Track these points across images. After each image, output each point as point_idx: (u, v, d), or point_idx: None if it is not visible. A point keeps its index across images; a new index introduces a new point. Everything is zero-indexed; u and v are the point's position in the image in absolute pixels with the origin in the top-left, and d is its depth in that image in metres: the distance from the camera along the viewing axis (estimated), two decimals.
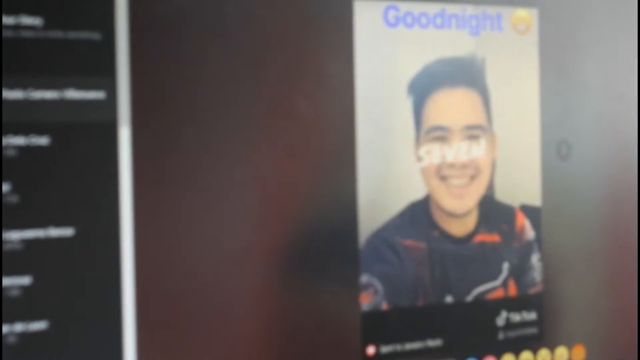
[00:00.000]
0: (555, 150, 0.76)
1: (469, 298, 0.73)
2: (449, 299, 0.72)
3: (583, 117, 0.77)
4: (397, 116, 0.70)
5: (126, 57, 0.61)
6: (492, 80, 0.73)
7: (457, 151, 0.72)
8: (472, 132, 0.73)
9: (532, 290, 0.75)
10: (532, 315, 0.75)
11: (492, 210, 0.73)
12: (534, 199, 0.75)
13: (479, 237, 0.72)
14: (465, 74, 0.72)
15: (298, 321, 0.67)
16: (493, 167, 0.73)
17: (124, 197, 0.61)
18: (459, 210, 0.73)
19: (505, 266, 0.74)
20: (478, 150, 0.72)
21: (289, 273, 0.66)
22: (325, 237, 0.67)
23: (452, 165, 0.71)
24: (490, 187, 0.73)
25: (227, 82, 0.64)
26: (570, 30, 0.76)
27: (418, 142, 0.70)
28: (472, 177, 0.72)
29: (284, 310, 0.66)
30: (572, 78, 0.76)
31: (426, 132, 0.71)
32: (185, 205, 0.63)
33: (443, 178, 0.71)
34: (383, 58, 0.70)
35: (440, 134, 0.71)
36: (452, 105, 0.72)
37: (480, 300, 0.73)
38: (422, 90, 0.71)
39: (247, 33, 0.64)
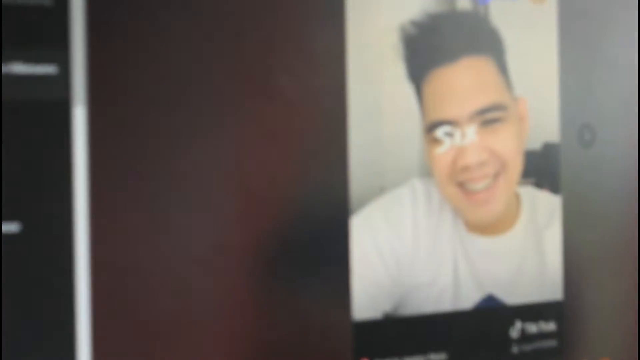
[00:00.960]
0: (577, 136, 0.73)
1: (480, 305, 0.70)
2: (455, 305, 0.69)
3: (609, 99, 0.74)
4: (397, 98, 0.66)
5: (81, 25, 0.59)
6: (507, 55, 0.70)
7: (470, 147, 0.65)
8: (487, 116, 0.66)
9: (551, 297, 0.73)
10: (550, 326, 0.72)
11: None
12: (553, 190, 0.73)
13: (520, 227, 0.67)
14: (466, 35, 0.66)
15: (280, 332, 0.65)
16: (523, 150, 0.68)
17: (78, 187, 0.59)
18: (485, 219, 0.66)
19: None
20: (498, 138, 0.66)
21: (269, 277, 0.64)
22: (312, 236, 0.65)
23: (466, 168, 0.65)
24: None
25: (198, 56, 0.62)
26: None
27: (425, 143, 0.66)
28: (497, 175, 0.66)
29: (263, 320, 0.64)
30: (596, 54, 0.74)
31: (427, 129, 0.65)
32: (149, 198, 0.61)
33: (460, 184, 0.65)
34: (377, 21, 0.66)
35: (446, 130, 0.65)
36: (453, 87, 0.65)
37: (491, 308, 0.70)
38: (418, 71, 0.65)
39: (231, 9, 0.63)
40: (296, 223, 0.65)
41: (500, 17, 0.69)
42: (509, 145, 0.67)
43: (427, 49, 0.66)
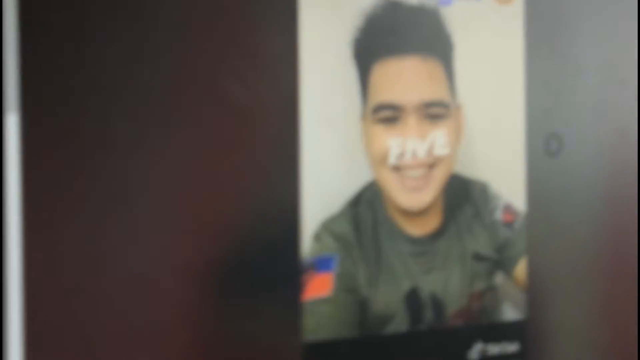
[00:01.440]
0: (544, 145, 0.72)
1: (437, 323, 0.68)
2: (409, 325, 0.67)
3: (577, 106, 0.73)
4: (344, 94, 0.65)
5: (14, 28, 0.57)
6: (467, 58, 0.68)
7: (411, 135, 0.66)
8: (431, 110, 0.67)
9: (514, 316, 0.71)
10: (513, 347, 0.70)
11: (462, 200, 0.69)
12: (517, 202, 0.71)
13: (445, 237, 0.68)
14: (420, 34, 0.67)
15: (228, 353, 0.62)
16: (456, 153, 0.68)
17: (10, 202, 0.57)
18: (416, 205, 0.67)
19: (481, 278, 0.69)
20: (438, 133, 0.67)
21: (215, 295, 0.62)
22: (261, 251, 0.63)
23: (404, 154, 0.66)
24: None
25: (143, 63, 0.59)
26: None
27: (364, 122, 0.65)
28: (432, 167, 0.67)
29: (207, 343, 0.62)
30: (564, 58, 0.72)
31: (373, 110, 0.65)
32: (89, 213, 0.58)
33: (396, 169, 0.66)
34: (329, 25, 0.65)
35: (390, 114, 0.66)
36: (403, 77, 0.66)
37: (449, 327, 0.68)
38: (367, 54, 0.65)
39: (172, 8, 0.60)
40: (245, 239, 0.63)
41: (463, 17, 0.68)
42: (446, 142, 0.67)
43: (380, 38, 0.66)
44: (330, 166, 0.64)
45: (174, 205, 0.61)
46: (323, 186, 0.64)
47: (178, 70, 0.60)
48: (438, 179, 0.67)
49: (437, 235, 0.67)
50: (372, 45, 0.65)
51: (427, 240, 0.67)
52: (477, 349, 0.69)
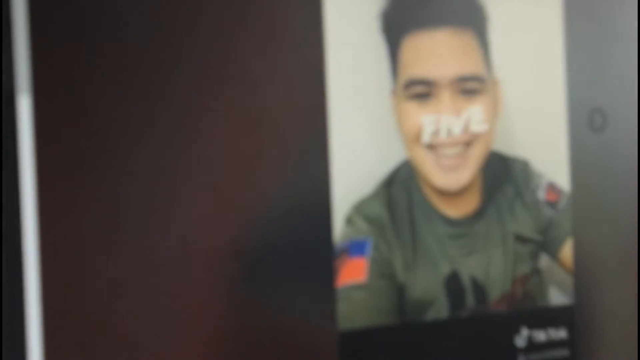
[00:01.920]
0: (587, 121, 0.69)
1: (479, 309, 0.65)
2: (450, 312, 0.64)
3: (621, 78, 0.71)
4: (373, 69, 0.63)
5: (24, 13, 0.55)
6: (503, 30, 0.66)
7: (445, 111, 0.64)
8: (466, 85, 0.65)
9: (561, 301, 0.68)
10: (561, 334, 0.68)
11: (501, 179, 0.66)
12: (561, 181, 0.68)
13: (485, 219, 0.65)
14: (452, 4, 0.65)
15: (258, 344, 0.60)
16: (494, 130, 0.66)
17: (25, 188, 0.55)
18: (452, 185, 0.64)
19: (524, 261, 0.66)
20: (474, 109, 0.65)
21: (245, 282, 0.60)
22: (291, 236, 0.61)
23: (439, 131, 0.64)
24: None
25: (158, 39, 0.57)
26: None
27: (395, 99, 0.63)
28: (468, 144, 0.65)
29: (238, 332, 0.60)
30: (607, 28, 0.70)
31: (404, 86, 0.63)
32: (107, 198, 0.57)
33: (430, 147, 0.64)
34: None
35: (423, 90, 0.64)
36: (435, 51, 0.64)
37: (493, 313, 0.65)
38: (396, 27, 0.63)
39: None
40: (274, 224, 0.60)
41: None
42: (483, 118, 0.65)
43: (410, 10, 0.64)
44: (360, 145, 0.62)
45: (199, 189, 0.59)
46: (354, 166, 0.62)
47: (200, 48, 0.59)
48: (475, 157, 0.65)
49: (476, 216, 0.65)
50: (401, 18, 0.63)
51: (466, 221, 0.65)
52: (523, 335, 0.66)
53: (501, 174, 0.66)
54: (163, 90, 0.58)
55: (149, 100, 0.57)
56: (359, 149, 0.62)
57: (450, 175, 0.64)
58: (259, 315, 0.60)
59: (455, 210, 0.64)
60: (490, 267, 0.65)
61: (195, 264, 0.59)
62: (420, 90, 0.63)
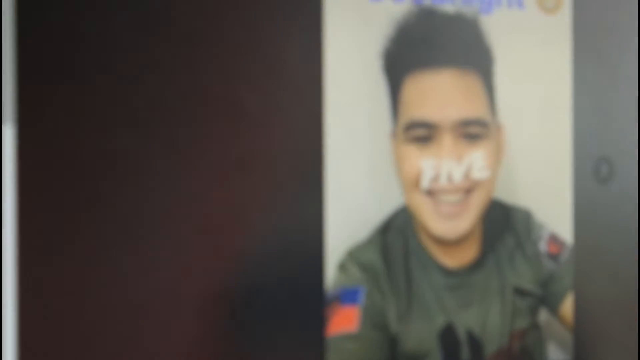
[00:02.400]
0: (593, 170, 0.67)
1: None
2: None
3: (629, 127, 0.67)
4: (373, 109, 0.60)
5: (10, 34, 0.53)
6: (509, 73, 0.63)
7: (448, 157, 0.61)
8: (469, 129, 0.62)
9: (559, 358, 0.65)
10: None
11: (502, 229, 0.63)
12: (563, 232, 0.65)
13: (484, 270, 0.63)
14: (457, 45, 0.62)
15: None
16: (497, 177, 0.63)
17: (5, 219, 0.53)
18: (451, 234, 0.62)
19: (523, 315, 0.64)
20: (476, 154, 0.62)
21: (233, 329, 0.57)
22: (282, 281, 0.58)
23: (439, 177, 0.61)
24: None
25: (154, 73, 0.55)
26: (613, 9, 0.67)
27: (395, 141, 0.61)
28: (469, 191, 0.62)
29: None
30: (615, 74, 0.67)
31: (405, 128, 0.61)
32: (94, 239, 0.54)
33: (429, 193, 0.61)
34: (356, 34, 0.60)
35: (424, 132, 0.61)
36: (438, 92, 0.61)
37: None
38: (398, 66, 0.61)
39: (182, 8, 0.56)
40: (265, 267, 0.58)
41: (505, 27, 0.64)
42: (485, 164, 0.63)
43: (412, 49, 0.61)
44: (357, 189, 0.59)
45: (189, 232, 0.56)
46: (349, 210, 0.59)
47: (194, 83, 0.56)
48: (476, 205, 0.62)
49: (474, 267, 0.62)
50: (404, 57, 0.61)
51: (464, 272, 0.62)
52: None
53: (502, 223, 0.63)
54: (157, 128, 0.55)
55: (141, 138, 0.55)
56: (356, 193, 0.59)
57: (449, 223, 0.62)
58: (245, 354, 0.58)
59: (452, 259, 0.61)
60: (488, 320, 0.62)
61: (183, 309, 0.56)
62: (421, 133, 0.61)
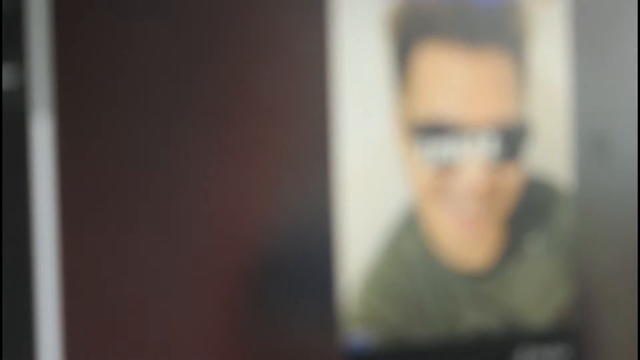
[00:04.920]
0: (594, 146, 0.68)
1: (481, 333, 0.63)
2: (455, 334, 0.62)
3: (628, 105, 0.69)
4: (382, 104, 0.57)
5: (43, 32, 0.56)
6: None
7: (470, 163, 0.53)
8: (503, 130, 0.54)
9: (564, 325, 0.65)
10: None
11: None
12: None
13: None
14: (479, 23, 0.53)
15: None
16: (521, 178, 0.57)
17: (42, 207, 0.55)
18: (468, 245, 0.56)
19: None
20: (505, 164, 0.54)
21: (250, 304, 0.60)
22: (297, 258, 0.61)
23: (460, 188, 0.54)
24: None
25: (172, 62, 0.58)
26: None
27: (402, 133, 0.54)
28: (489, 197, 0.55)
29: (244, 352, 0.60)
30: (614, 55, 0.69)
31: (415, 128, 0.53)
32: (119, 221, 0.58)
33: (445, 203, 0.54)
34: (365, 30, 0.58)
35: (441, 133, 0.53)
36: (463, 78, 0.52)
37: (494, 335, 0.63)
38: (408, 35, 0.52)
39: (206, 5, 0.59)
40: (278, 244, 0.61)
41: (509, 18, 0.63)
42: (512, 168, 0.56)
43: (424, 20, 0.53)
44: (364, 179, 0.59)
45: (206, 211, 0.60)
46: (359, 198, 0.59)
47: (208, 69, 0.59)
48: (495, 213, 0.56)
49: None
50: (414, 29, 0.54)
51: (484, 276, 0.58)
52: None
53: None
54: (179, 115, 0.59)
55: (164, 124, 0.59)
56: (365, 181, 0.60)
57: (467, 231, 0.56)
58: (263, 332, 0.61)
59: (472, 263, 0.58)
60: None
61: (201, 288, 0.59)
62: (439, 135, 0.54)
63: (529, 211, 0.59)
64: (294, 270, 0.61)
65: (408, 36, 0.52)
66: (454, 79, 0.52)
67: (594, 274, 0.69)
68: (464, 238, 0.54)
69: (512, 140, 0.56)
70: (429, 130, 0.53)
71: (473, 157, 0.54)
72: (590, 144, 0.68)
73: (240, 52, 0.60)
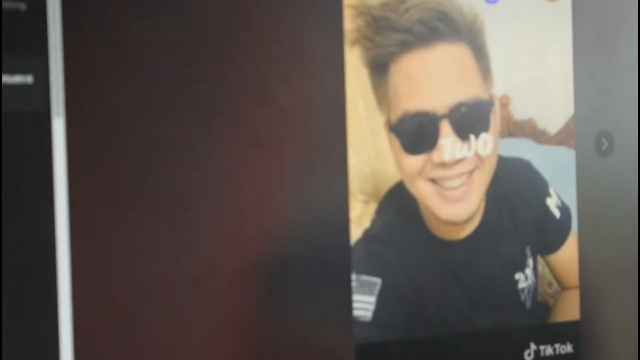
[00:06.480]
0: (594, 145, 0.69)
1: (489, 325, 0.66)
2: (463, 327, 0.65)
3: (628, 103, 0.70)
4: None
5: (59, 32, 0.56)
6: (514, 54, 0.65)
7: (447, 143, 0.61)
8: (467, 110, 0.61)
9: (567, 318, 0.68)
10: (567, 348, 0.68)
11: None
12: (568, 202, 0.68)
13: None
14: (442, 18, 0.60)
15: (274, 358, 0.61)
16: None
17: (59, 203, 0.56)
18: (458, 216, 0.62)
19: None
20: (477, 134, 0.62)
21: (263, 299, 0.61)
22: (309, 255, 0.62)
23: (442, 165, 0.61)
24: None
25: (186, 63, 0.59)
26: None
27: (389, 130, 0.61)
28: (472, 171, 0.62)
29: (256, 346, 0.61)
30: (614, 55, 0.70)
31: (398, 121, 0.60)
32: (136, 216, 0.58)
33: (433, 180, 0.61)
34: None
35: (420, 122, 0.61)
36: (430, 75, 0.60)
37: (502, 329, 0.66)
38: (383, 53, 0.59)
39: (217, 4, 0.59)
40: (293, 242, 0.62)
41: (512, 13, 0.65)
42: (486, 142, 0.62)
43: (395, 29, 0.60)
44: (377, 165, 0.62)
45: (218, 209, 0.60)
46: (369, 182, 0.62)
47: (224, 72, 0.60)
48: (480, 183, 0.62)
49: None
50: (387, 40, 0.60)
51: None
52: (531, 349, 0.67)
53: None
54: (189, 113, 0.59)
55: (174, 122, 0.59)
56: (377, 170, 0.62)
57: (456, 207, 0.62)
58: (279, 327, 0.61)
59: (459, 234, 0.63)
60: None
61: (214, 284, 0.59)
62: (416, 126, 0.60)
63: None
64: (310, 268, 0.62)
65: (382, 50, 0.60)
66: (430, 74, 0.60)
67: (594, 273, 0.70)
68: (458, 215, 0.62)
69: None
70: (412, 120, 0.60)
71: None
72: (590, 143, 0.69)
73: (253, 50, 0.60)
